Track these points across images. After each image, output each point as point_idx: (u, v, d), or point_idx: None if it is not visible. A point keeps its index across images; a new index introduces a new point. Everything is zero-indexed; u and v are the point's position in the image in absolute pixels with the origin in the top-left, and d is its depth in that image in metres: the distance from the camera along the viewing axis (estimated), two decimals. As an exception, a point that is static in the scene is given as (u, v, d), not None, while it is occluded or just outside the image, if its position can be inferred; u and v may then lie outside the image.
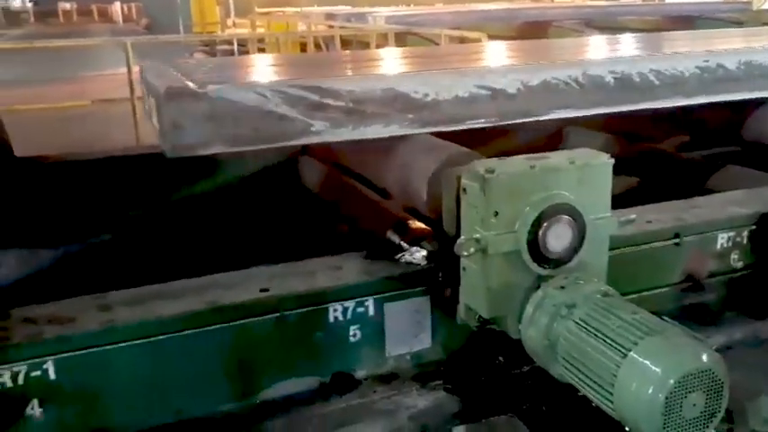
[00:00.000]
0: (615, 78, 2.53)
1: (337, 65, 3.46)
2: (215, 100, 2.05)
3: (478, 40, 5.90)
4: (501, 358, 2.10)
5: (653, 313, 1.66)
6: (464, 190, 1.87)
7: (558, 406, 1.89)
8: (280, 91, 2.11)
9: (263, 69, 3.25)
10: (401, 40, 7.99)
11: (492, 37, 6.31)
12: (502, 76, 2.39)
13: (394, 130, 2.24)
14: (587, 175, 1.85)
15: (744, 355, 2.28)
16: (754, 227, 2.43)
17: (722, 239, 2.40)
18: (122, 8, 34.15)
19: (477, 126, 2.38)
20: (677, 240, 2.33)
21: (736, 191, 2.66)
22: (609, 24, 8.10)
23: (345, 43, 8.76)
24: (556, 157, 1.86)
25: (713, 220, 2.40)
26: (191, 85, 2.08)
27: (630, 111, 2.76)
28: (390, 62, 3.37)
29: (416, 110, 2.25)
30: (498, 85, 2.34)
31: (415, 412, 1.97)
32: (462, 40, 6.24)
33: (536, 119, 2.46)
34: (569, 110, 2.50)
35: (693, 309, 2.38)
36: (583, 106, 2.53)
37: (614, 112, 2.77)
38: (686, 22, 8.48)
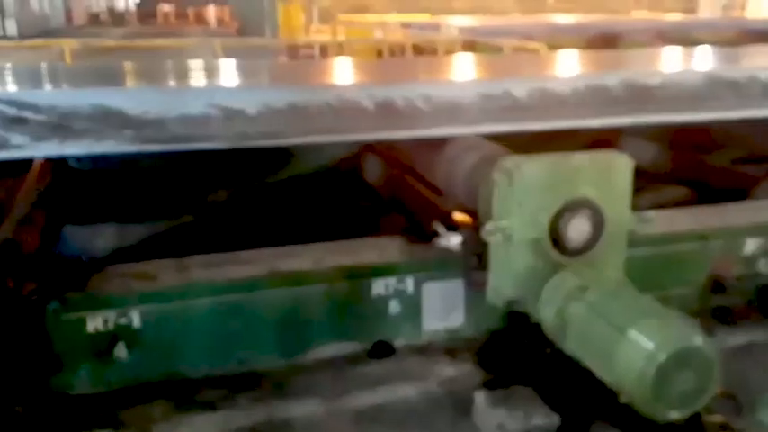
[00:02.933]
0: (375, 103, 2.27)
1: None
2: None
3: (537, 51, 6.07)
4: (527, 339, 2.30)
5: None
6: (495, 183, 2.10)
7: (570, 382, 2.08)
8: None
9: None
10: (472, 48, 8.23)
11: (557, 48, 6.44)
12: (239, 96, 2.21)
13: (110, 146, 2.09)
14: (607, 173, 2.05)
15: (763, 355, 2.40)
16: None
17: (750, 245, 2.52)
18: (216, 12, 35.85)
19: (212, 148, 2.19)
20: (703, 243, 2.47)
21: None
22: (682, 38, 8.05)
23: (419, 50, 9.10)
24: (579, 157, 2.07)
25: (741, 225, 2.53)
26: None
27: (685, 123, 2.86)
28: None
29: (136, 127, 2.10)
30: (235, 106, 2.15)
31: (444, 379, 2.22)
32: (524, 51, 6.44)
33: (280, 142, 2.24)
34: (325, 135, 2.29)
35: (717, 310, 2.51)
36: (341, 132, 2.29)
37: (668, 123, 2.90)
38: (764, 36, 8.32)
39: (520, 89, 2.42)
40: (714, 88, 2.50)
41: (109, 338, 2.11)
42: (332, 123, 2.26)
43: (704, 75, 2.53)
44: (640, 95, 2.48)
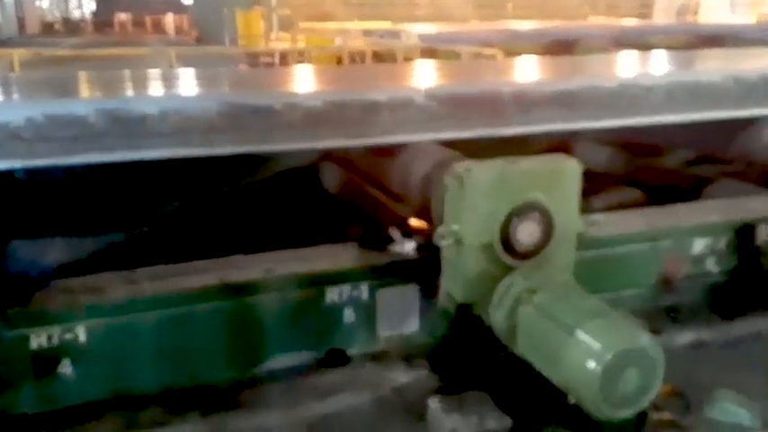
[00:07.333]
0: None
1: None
2: None
3: (494, 57, 6.15)
4: (479, 343, 2.31)
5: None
6: (447, 187, 2.10)
7: (522, 385, 2.09)
8: None
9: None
10: (433, 54, 8.29)
11: (514, 54, 6.53)
12: None
13: None
14: (556, 177, 2.06)
15: (712, 353, 2.45)
16: (730, 234, 2.60)
17: (698, 245, 2.57)
18: (175, 20, 35.40)
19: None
20: (652, 244, 2.51)
21: (716, 200, 2.82)
22: (637, 43, 8.23)
23: (379, 57, 9.14)
24: (528, 161, 2.08)
25: (689, 225, 2.57)
26: None
27: (639, 127, 2.90)
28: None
29: None
30: None
31: (398, 386, 2.21)
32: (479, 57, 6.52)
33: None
34: None
35: (668, 309, 2.55)
36: None
37: (623, 127, 2.95)
38: (716, 41, 8.56)
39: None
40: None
41: (53, 355, 2.05)
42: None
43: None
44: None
